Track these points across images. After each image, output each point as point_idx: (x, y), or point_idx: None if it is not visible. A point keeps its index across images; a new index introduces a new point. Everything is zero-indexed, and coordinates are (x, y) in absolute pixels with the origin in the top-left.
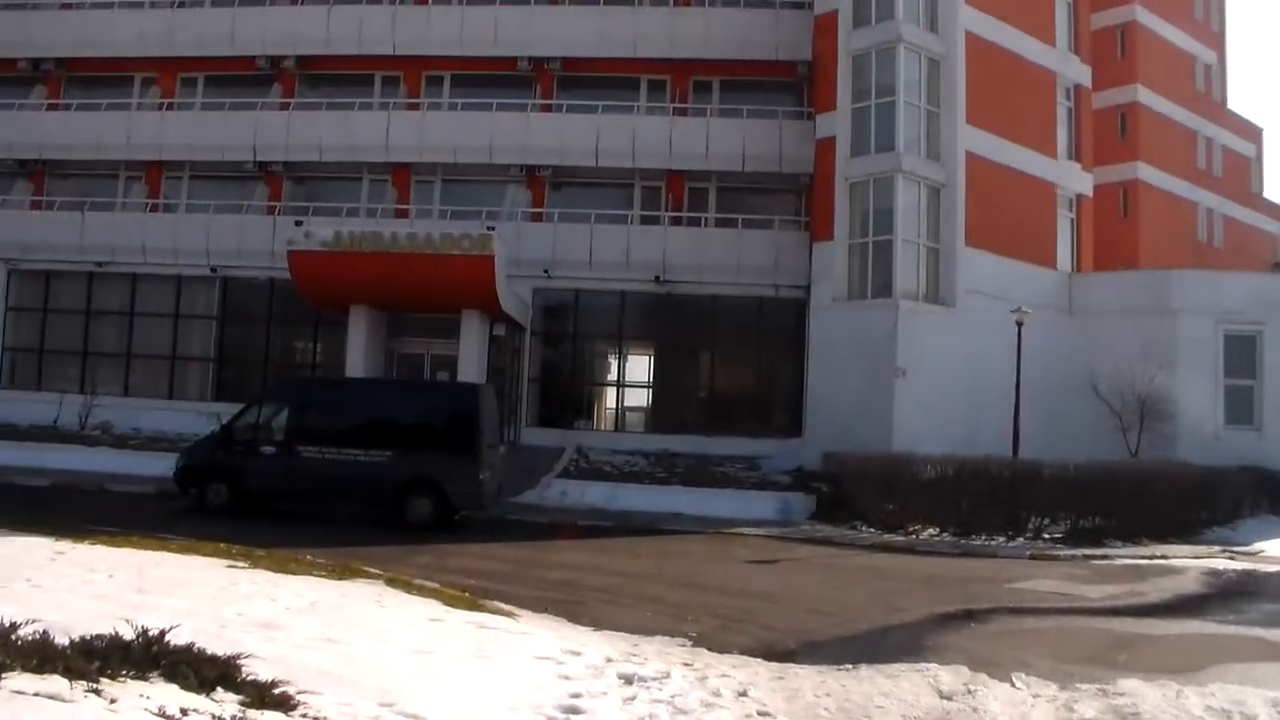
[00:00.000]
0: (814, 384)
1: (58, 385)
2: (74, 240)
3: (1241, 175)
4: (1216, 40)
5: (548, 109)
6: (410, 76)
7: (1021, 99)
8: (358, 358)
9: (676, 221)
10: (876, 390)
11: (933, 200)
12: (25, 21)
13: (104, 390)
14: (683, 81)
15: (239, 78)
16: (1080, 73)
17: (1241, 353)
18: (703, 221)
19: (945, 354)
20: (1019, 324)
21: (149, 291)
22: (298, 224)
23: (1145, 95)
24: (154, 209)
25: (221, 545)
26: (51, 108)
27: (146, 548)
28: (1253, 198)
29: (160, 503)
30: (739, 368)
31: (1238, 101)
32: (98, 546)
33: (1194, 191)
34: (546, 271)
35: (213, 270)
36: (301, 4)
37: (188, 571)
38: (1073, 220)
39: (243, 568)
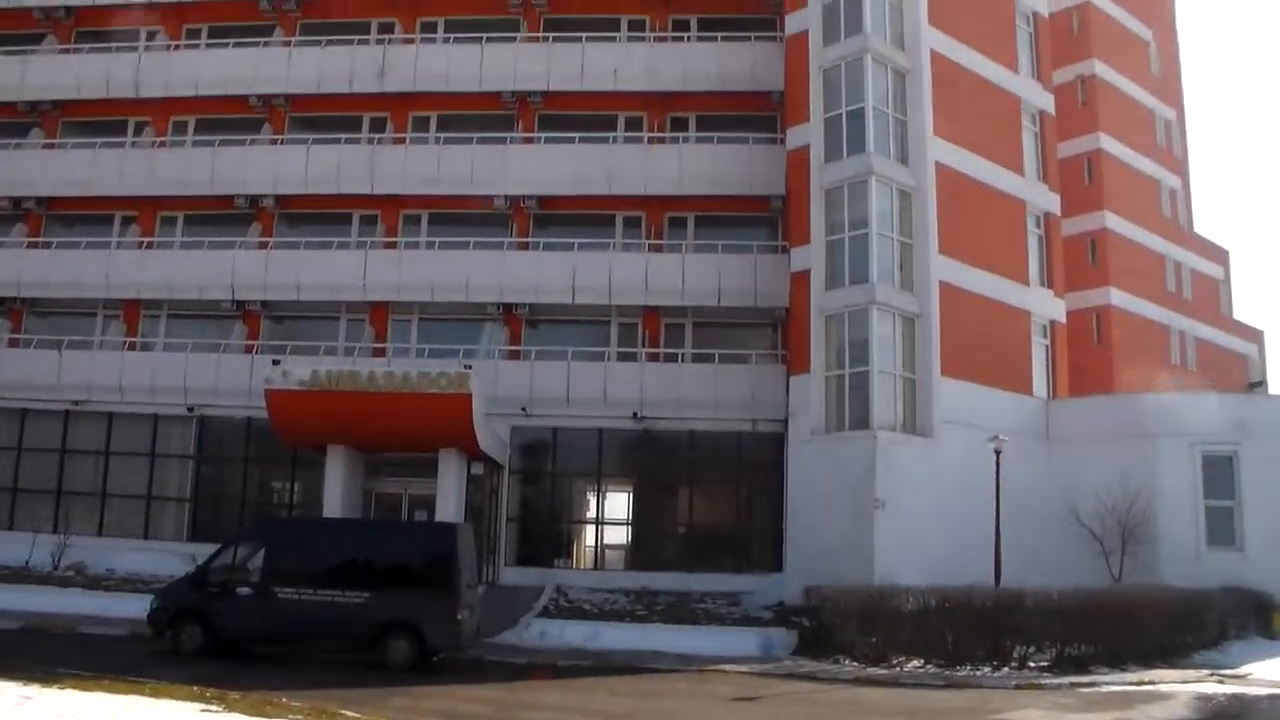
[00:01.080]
0: (794, 517)
1: (30, 525)
2: (51, 379)
3: (1211, 297)
4: (1180, 165)
5: (524, 247)
6: (388, 215)
7: (993, 228)
8: (335, 498)
9: (653, 358)
10: (856, 523)
11: (908, 330)
12: (8, 160)
13: (78, 530)
14: (658, 217)
15: (218, 216)
16: (1049, 200)
17: (1220, 474)
18: (679, 357)
19: (924, 484)
20: (997, 452)
21: (125, 430)
22: (275, 363)
23: (1114, 221)
24: (131, 347)
25: (195, 689)
26: (32, 245)
27: (118, 692)
28: (1223, 319)
29: (134, 645)
30: (719, 503)
31: (1203, 224)
32: (68, 691)
33: (1165, 315)
34: (524, 409)
35: (190, 409)
36: (281, 144)
37: (160, 716)
38: (1047, 347)
39: (216, 711)
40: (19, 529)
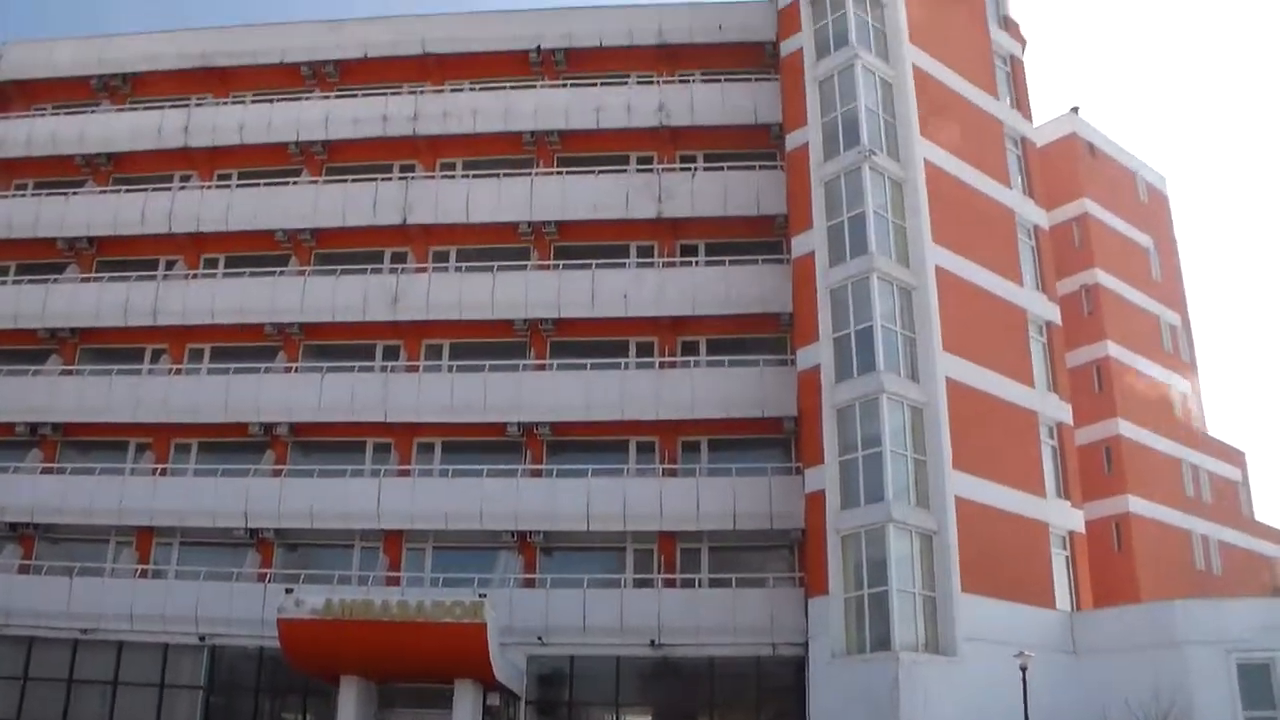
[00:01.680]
0: None
1: None
2: (60, 606)
3: (1231, 500)
4: (1189, 369)
5: (538, 474)
6: (402, 443)
7: (1006, 440)
8: None
9: (670, 583)
10: None
11: (926, 547)
12: (26, 386)
13: None
14: (671, 442)
15: (232, 444)
16: (1061, 410)
17: (1257, 683)
18: (696, 582)
19: (950, 704)
20: (1023, 669)
21: (134, 660)
22: (288, 592)
23: (1127, 428)
24: (143, 575)
25: None
26: (46, 471)
27: None
28: (1245, 521)
29: None
30: None
31: (1218, 427)
32: None
33: (1186, 519)
34: (540, 638)
35: (201, 639)
36: (295, 372)
37: None
38: (1067, 558)
39: None
40: None
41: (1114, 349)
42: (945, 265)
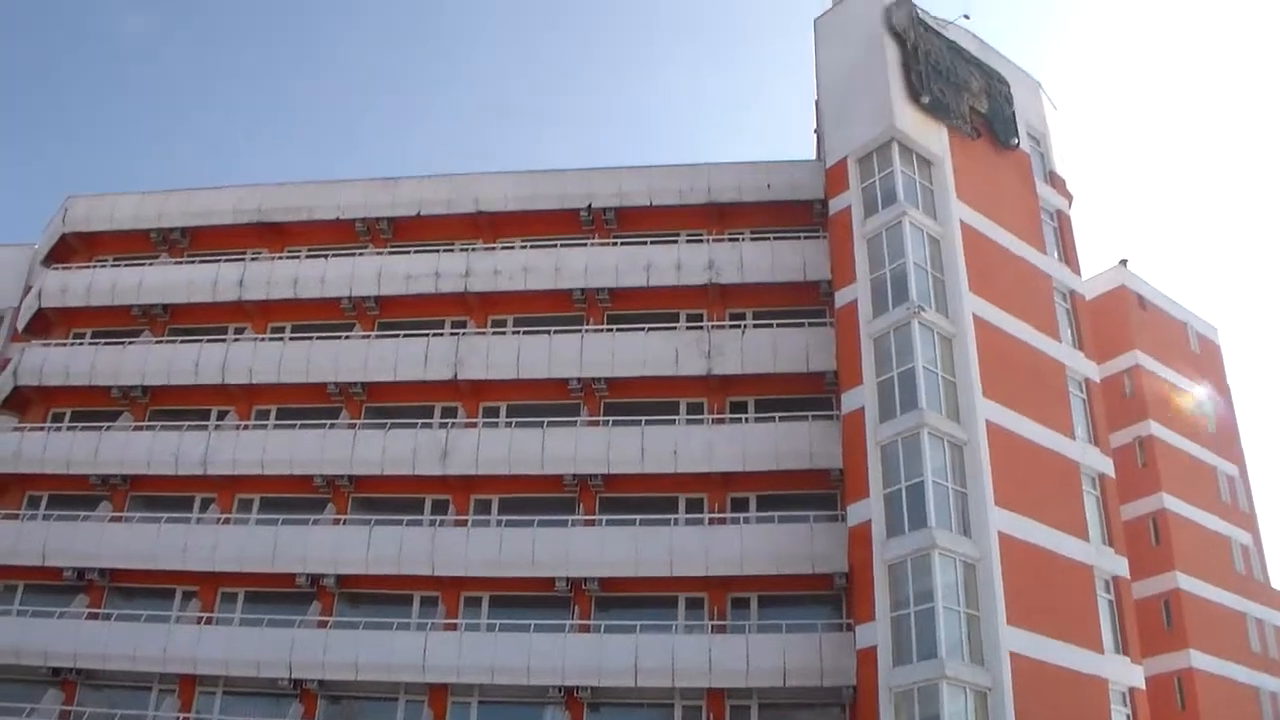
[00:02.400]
0: None
1: None
2: None
3: None
4: (1249, 521)
5: (586, 629)
6: (449, 596)
7: (1061, 594)
8: None
9: None
10: None
11: (980, 705)
12: (75, 531)
13: None
14: (720, 598)
15: (278, 594)
16: (1117, 564)
17: None
18: None
19: None
20: None
21: None
22: None
23: (1186, 581)
24: None
25: None
26: (91, 617)
27: None
28: None
29: None
30: None
31: None
32: None
33: (1252, 675)
34: None
35: None
36: (343, 524)
37: None
38: (1128, 715)
39: None
40: None
41: (1170, 501)
42: (996, 419)
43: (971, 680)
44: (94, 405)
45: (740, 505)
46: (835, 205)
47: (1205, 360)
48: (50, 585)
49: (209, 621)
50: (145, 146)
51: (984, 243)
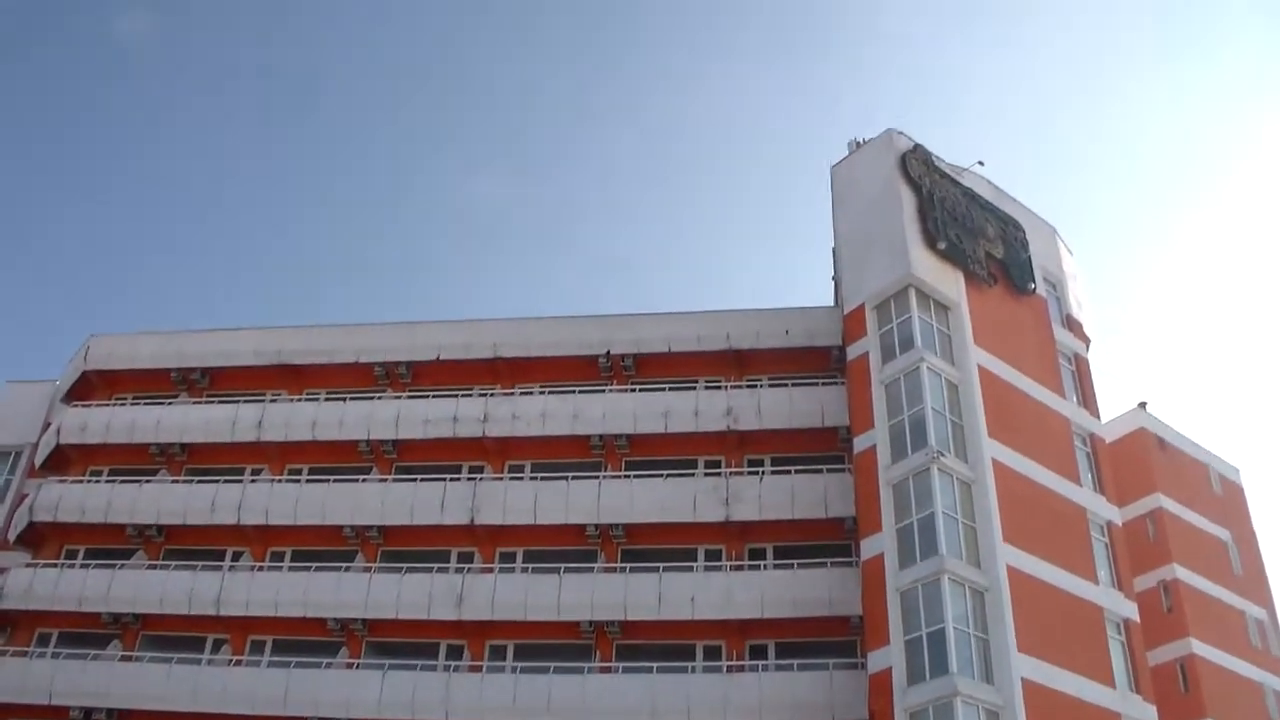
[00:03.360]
0: None
1: None
2: None
3: None
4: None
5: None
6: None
7: None
8: None
9: None
10: None
11: None
12: (82, 671)
13: None
14: (738, 643)
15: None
16: (1145, 712)
17: None
18: None
19: None
20: None
21: None
22: None
23: None
24: None
25: None
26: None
27: None
28: None
29: None
30: None
31: None
32: None
33: None
34: None
35: None
36: (357, 669)
37: None
38: None
39: None
40: None
41: (1198, 646)
42: (1017, 565)
43: None
44: (109, 543)
45: (759, 652)
46: (853, 351)
47: (1228, 502)
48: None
49: (239, 664)
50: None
51: (1002, 387)
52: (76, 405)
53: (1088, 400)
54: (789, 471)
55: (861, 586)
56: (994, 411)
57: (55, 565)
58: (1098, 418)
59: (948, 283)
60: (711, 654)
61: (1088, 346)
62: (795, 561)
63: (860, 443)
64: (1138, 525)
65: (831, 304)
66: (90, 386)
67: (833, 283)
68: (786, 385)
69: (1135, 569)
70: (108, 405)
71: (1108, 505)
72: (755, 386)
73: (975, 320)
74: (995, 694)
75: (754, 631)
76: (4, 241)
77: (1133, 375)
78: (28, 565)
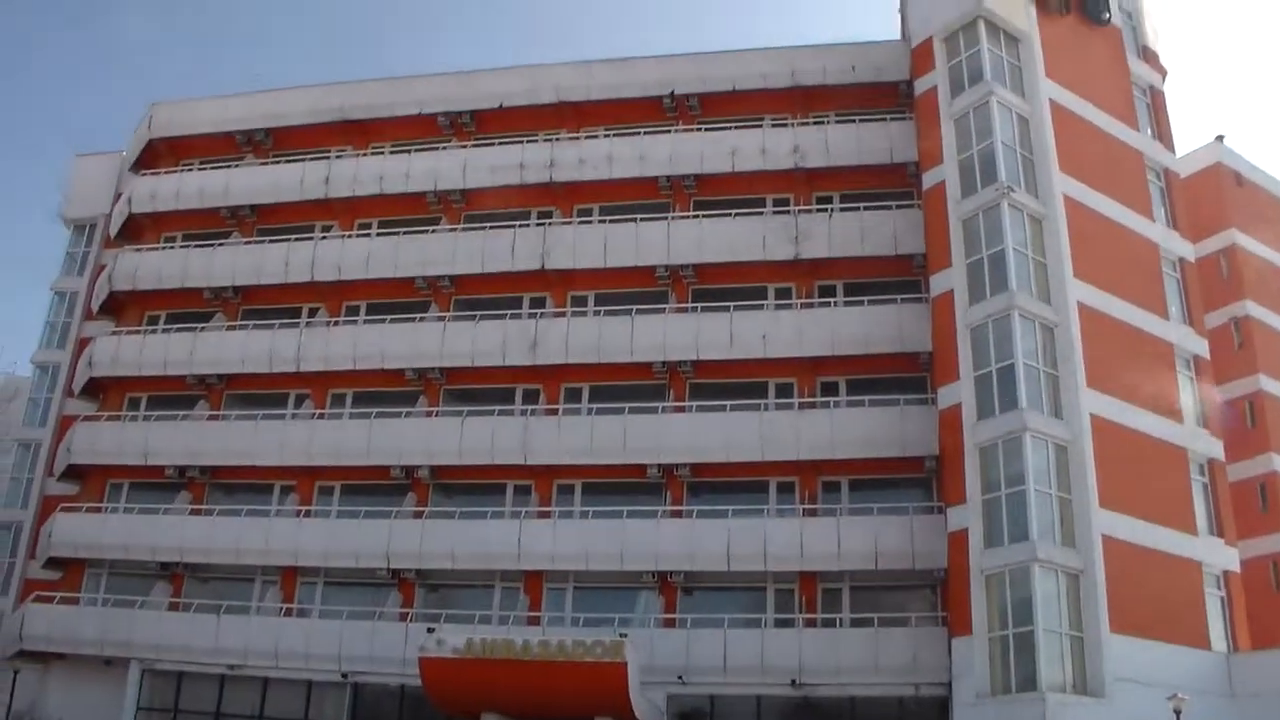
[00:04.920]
0: None
1: None
2: (208, 643)
3: None
4: None
5: (678, 515)
6: (541, 485)
7: (1154, 478)
8: None
9: (811, 623)
10: None
11: (1072, 587)
12: (174, 430)
13: None
14: (811, 482)
15: (374, 486)
16: (1212, 446)
17: None
18: (838, 622)
19: None
20: (1177, 711)
21: (279, 696)
22: (430, 631)
23: None
24: (288, 614)
25: None
26: (194, 513)
27: None
28: None
29: None
30: None
31: None
32: None
33: None
34: (680, 678)
35: (344, 676)
36: (436, 416)
37: None
38: (1222, 598)
39: None
40: None
41: (1267, 383)
42: (1087, 301)
43: (1063, 563)
44: (187, 307)
45: (830, 389)
46: (921, 86)
47: None
48: (153, 483)
49: (308, 515)
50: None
51: (1074, 121)
52: (145, 174)
53: (1162, 134)
54: (858, 208)
55: (931, 323)
56: (1065, 146)
57: (138, 332)
58: (1172, 152)
59: (1018, 13)
60: (783, 391)
61: (1164, 79)
62: (865, 298)
63: (929, 178)
64: (1210, 262)
65: (898, 38)
66: (157, 155)
67: (899, 16)
68: (854, 121)
69: (1207, 305)
70: (175, 172)
71: (1181, 241)
72: (822, 123)
73: (1047, 52)
74: (1064, 429)
75: (825, 369)
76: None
77: (1211, 109)
78: (112, 334)
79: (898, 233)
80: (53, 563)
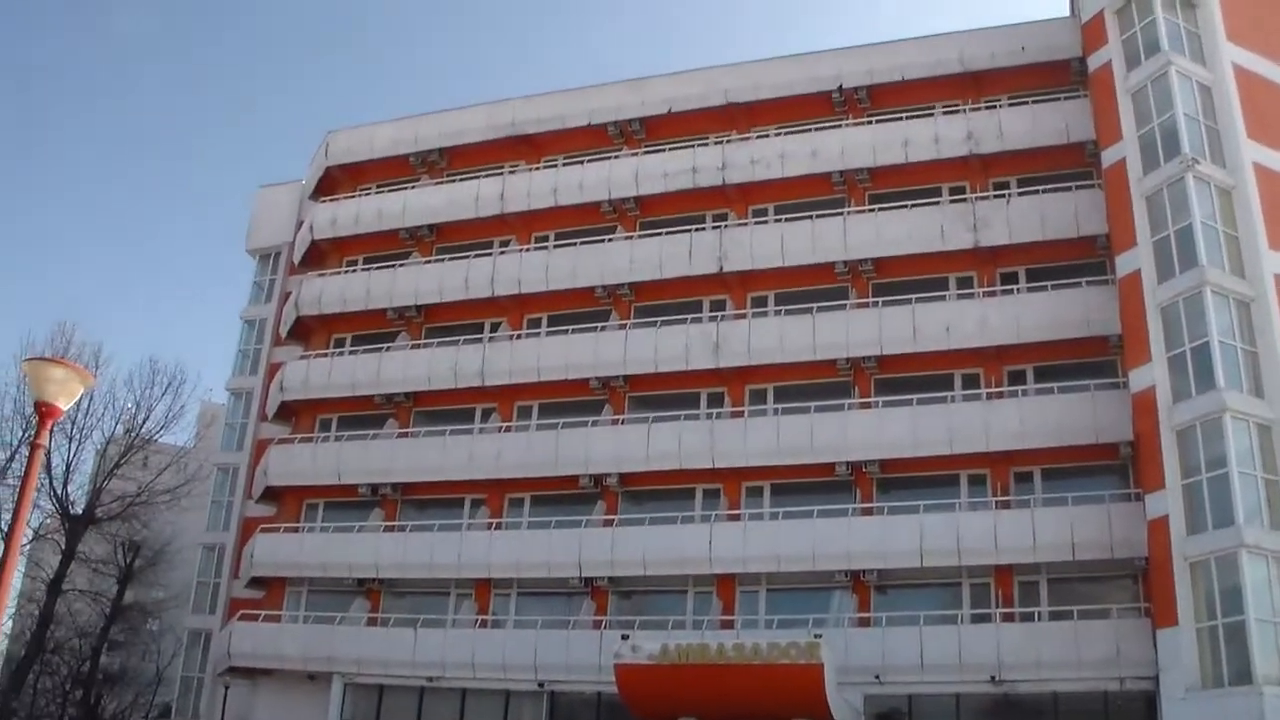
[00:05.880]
0: None
1: None
2: (406, 656)
3: None
4: None
5: (868, 512)
6: (730, 488)
7: None
8: None
9: (1008, 618)
10: None
11: None
12: (366, 449)
13: None
14: (1003, 474)
15: (563, 496)
16: None
17: None
18: (1036, 615)
19: None
20: None
21: (477, 706)
22: (624, 638)
23: None
24: (483, 625)
25: None
26: (388, 530)
27: None
28: None
29: None
30: None
31: None
32: None
33: None
34: (877, 677)
35: (540, 685)
36: (622, 424)
37: None
38: None
39: None
40: None
41: None
42: None
43: (1273, 548)
44: (372, 328)
45: (1017, 378)
46: (1094, 62)
47: None
48: (347, 502)
49: (499, 527)
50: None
51: (1260, 84)
52: (324, 201)
53: None
54: (1036, 191)
55: (1119, 304)
56: (1253, 112)
57: (326, 355)
58: None
59: None
60: (970, 383)
61: None
62: (1049, 283)
63: (1109, 156)
64: None
65: (1068, 14)
66: (335, 181)
67: None
68: (1027, 103)
69: None
70: (354, 197)
71: None
72: (995, 107)
73: (1227, 14)
74: (1267, 408)
75: (1011, 357)
76: (243, 50)
77: None
78: (301, 358)
79: (1079, 214)
80: (255, 582)
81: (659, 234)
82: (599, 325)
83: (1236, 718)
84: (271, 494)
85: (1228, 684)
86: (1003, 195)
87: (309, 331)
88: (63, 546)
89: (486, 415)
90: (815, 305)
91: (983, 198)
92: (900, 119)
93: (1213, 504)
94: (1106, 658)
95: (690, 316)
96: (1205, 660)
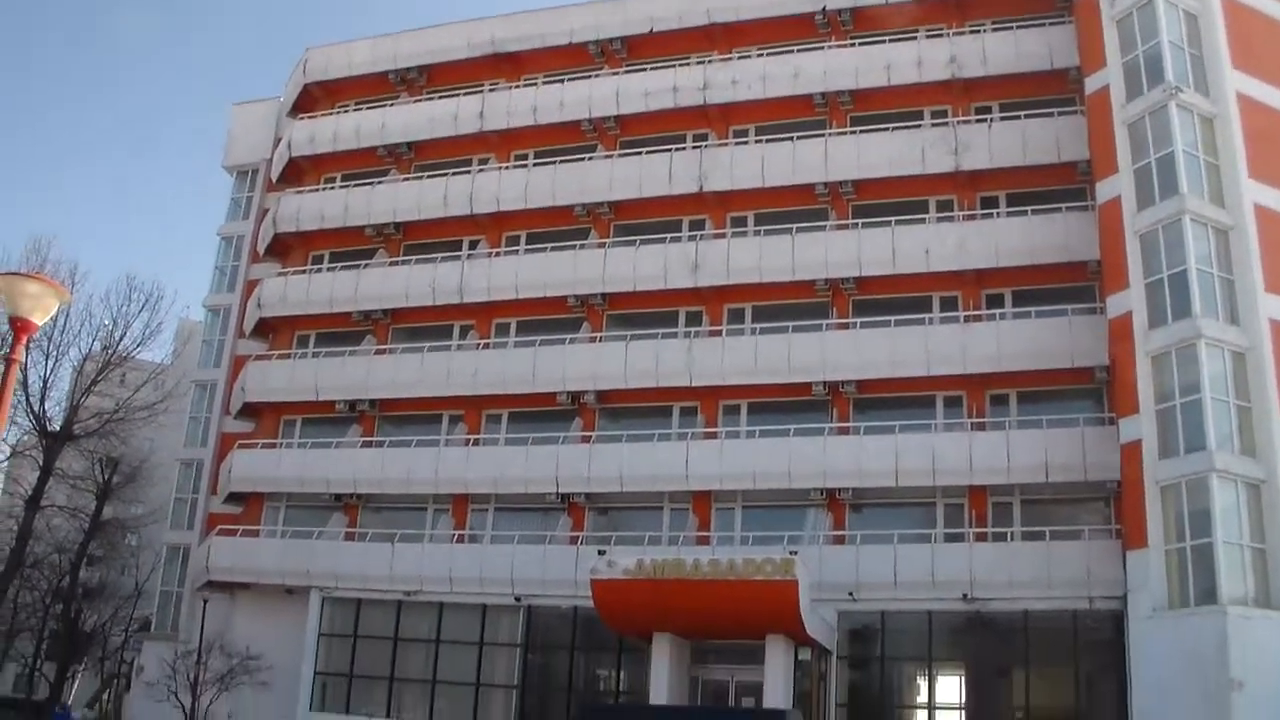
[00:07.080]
0: (1138, 700)
1: (364, 709)
2: (384, 570)
3: None
4: None
5: (845, 431)
6: (707, 406)
7: None
8: (661, 685)
9: (981, 538)
10: (1209, 704)
11: (1254, 498)
12: (343, 366)
13: (409, 716)
14: (978, 396)
15: (541, 413)
16: None
17: None
18: (1009, 536)
19: None
20: None
21: (455, 620)
22: (600, 553)
23: None
24: (460, 540)
25: None
26: (366, 445)
27: None
28: None
29: None
30: (1056, 685)
31: None
32: None
33: None
34: (851, 594)
35: (517, 599)
36: (600, 341)
37: None
38: None
39: None
40: (355, 713)
41: None
42: (1265, 203)
43: (1243, 473)
44: (350, 245)
45: (995, 302)
46: None
47: None
48: (325, 418)
49: (476, 443)
50: None
51: (1246, 14)
52: (302, 118)
53: None
54: (1019, 117)
55: (1099, 230)
56: (1239, 41)
57: (304, 272)
58: None
59: None
60: (948, 305)
61: None
62: (1029, 209)
63: (1092, 82)
64: None
65: None
66: (313, 99)
67: None
68: (1011, 27)
69: None
70: (332, 114)
71: None
72: (978, 31)
73: None
74: (1241, 335)
75: (990, 281)
76: None
77: None
78: (279, 275)
79: (1060, 140)
80: (233, 497)
81: (639, 153)
82: (578, 244)
83: (1201, 636)
84: (249, 410)
85: (1194, 604)
86: (984, 120)
87: (287, 248)
88: (40, 463)
89: (464, 332)
90: (795, 226)
91: (964, 122)
92: (883, 42)
93: (1185, 429)
94: (1077, 578)
95: (669, 236)
96: (1173, 581)
